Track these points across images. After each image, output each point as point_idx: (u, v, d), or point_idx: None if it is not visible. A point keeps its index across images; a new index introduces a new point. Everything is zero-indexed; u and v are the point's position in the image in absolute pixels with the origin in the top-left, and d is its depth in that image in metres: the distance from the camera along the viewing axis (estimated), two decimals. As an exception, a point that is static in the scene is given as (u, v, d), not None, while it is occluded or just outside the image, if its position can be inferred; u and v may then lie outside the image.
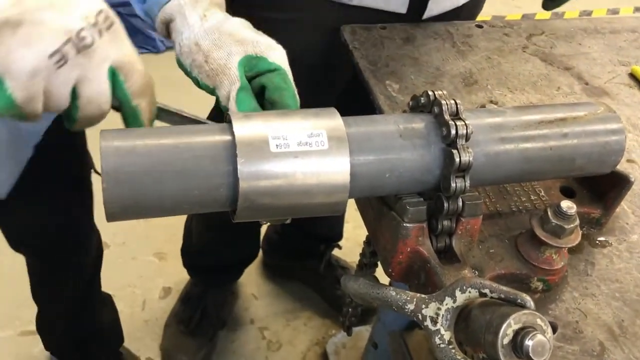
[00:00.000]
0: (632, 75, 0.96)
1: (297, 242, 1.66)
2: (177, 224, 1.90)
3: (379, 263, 0.81)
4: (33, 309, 1.31)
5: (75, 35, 0.46)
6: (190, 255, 1.58)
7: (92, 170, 1.06)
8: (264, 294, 1.77)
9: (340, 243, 1.69)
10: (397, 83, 0.86)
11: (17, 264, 1.26)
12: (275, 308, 1.75)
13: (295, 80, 0.62)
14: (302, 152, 0.52)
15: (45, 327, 1.33)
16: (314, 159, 0.52)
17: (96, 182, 1.10)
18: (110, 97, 0.51)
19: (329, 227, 1.64)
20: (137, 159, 0.49)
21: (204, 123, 0.58)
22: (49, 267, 1.14)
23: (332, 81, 1.11)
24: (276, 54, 0.61)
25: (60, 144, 0.89)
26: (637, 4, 3.36)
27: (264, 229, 1.70)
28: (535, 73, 0.93)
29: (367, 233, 0.81)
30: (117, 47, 0.50)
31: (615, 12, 3.33)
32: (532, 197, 0.71)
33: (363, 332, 1.62)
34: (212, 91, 0.62)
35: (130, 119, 0.53)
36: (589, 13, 3.31)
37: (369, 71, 0.87)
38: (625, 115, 0.88)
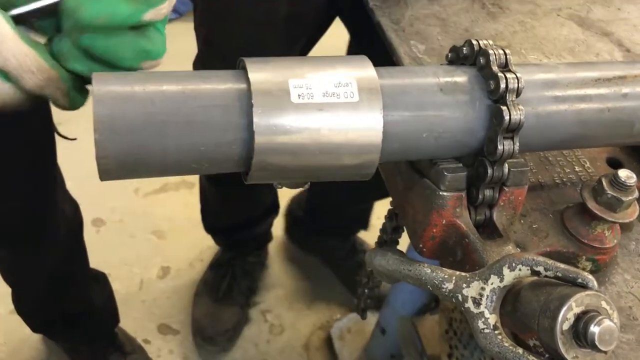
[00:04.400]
0: (675, 43, 0.88)
1: (323, 222, 1.60)
2: (177, 200, 1.83)
3: (399, 240, 0.74)
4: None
5: None
6: (209, 217, 1.54)
7: (55, 133, 0.97)
8: (266, 276, 1.70)
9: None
10: (423, 44, 0.78)
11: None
12: (278, 291, 1.68)
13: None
14: (328, 104, 0.45)
15: (23, 308, 1.26)
16: (341, 112, 0.45)
17: (84, 145, 1.02)
18: (11, 95, 0.47)
19: (356, 215, 1.59)
20: (137, 106, 0.42)
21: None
22: (15, 250, 1.07)
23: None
24: None
25: (18, 115, 0.82)
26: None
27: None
28: (572, 38, 0.85)
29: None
30: None
31: None
32: (577, 169, 0.63)
33: (369, 317, 1.55)
34: None
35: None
36: None
37: (391, 30, 0.79)
38: (671, 85, 0.80)
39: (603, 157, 0.65)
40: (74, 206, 1.14)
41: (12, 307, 1.50)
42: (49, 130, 0.95)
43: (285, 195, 1.69)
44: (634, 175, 0.52)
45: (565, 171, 0.63)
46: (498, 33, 0.83)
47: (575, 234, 0.55)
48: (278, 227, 1.63)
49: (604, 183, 0.53)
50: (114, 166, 0.42)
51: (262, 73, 0.45)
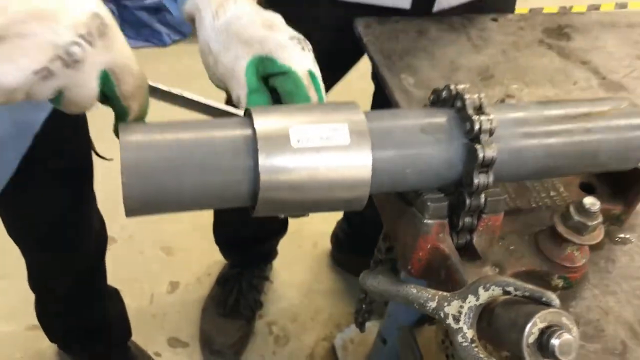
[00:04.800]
0: (649, 70, 0.94)
1: (367, 240, 1.67)
2: (184, 218, 1.89)
3: (393, 258, 0.81)
4: (40, 303, 1.31)
5: (63, 52, 0.42)
6: (220, 230, 1.60)
7: (93, 152, 1.04)
8: (271, 288, 1.76)
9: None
10: (413, 77, 0.85)
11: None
12: (283, 303, 1.74)
13: None
14: (324, 147, 0.51)
15: (45, 317, 1.33)
16: (335, 153, 0.51)
17: (100, 170, 1.09)
18: (96, 99, 0.48)
19: None
20: (157, 153, 0.48)
21: (197, 101, 0.57)
22: (47, 257, 1.14)
23: (333, 81, 1.10)
24: (286, 54, 0.56)
25: (60, 134, 0.88)
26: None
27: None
28: (552, 67, 0.92)
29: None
30: (111, 52, 0.46)
31: (623, 6, 3.31)
32: (552, 194, 0.70)
33: (371, 327, 1.61)
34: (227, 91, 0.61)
35: (120, 116, 0.51)
36: (597, 7, 3.30)
37: (383, 65, 0.86)
38: (643, 111, 0.87)
39: (577, 183, 0.71)
40: (102, 223, 1.22)
41: (28, 322, 1.57)
42: (88, 146, 1.02)
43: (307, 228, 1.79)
44: (598, 203, 0.58)
45: (541, 196, 0.69)
46: (482, 64, 0.90)
47: (548, 254, 0.61)
48: (282, 243, 1.70)
49: (572, 209, 0.59)
50: (138, 205, 0.49)
51: (266, 121, 0.51)
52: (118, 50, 0.46)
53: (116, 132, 0.50)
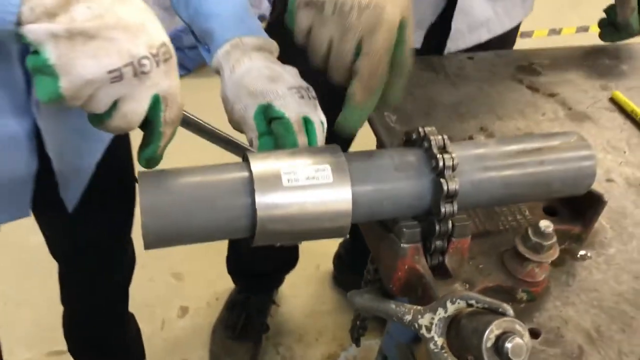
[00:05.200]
0: (612, 100, 1.04)
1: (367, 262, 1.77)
2: (192, 246, 1.99)
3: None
4: (61, 331, 1.40)
5: (137, 61, 0.51)
6: (234, 261, 1.70)
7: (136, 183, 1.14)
8: (277, 312, 1.85)
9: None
10: (395, 114, 0.94)
11: (47, 286, 1.34)
12: (289, 324, 1.82)
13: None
14: (310, 185, 0.60)
15: (70, 330, 1.40)
16: (320, 190, 0.60)
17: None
18: (142, 118, 0.55)
19: None
20: (171, 196, 0.58)
21: (223, 135, 0.67)
22: (84, 277, 1.22)
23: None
24: (282, 102, 0.65)
25: (116, 163, 0.96)
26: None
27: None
28: (523, 100, 1.01)
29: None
30: (168, 78, 0.55)
31: (585, 29, 3.42)
32: (518, 217, 0.78)
33: (373, 345, 1.68)
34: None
35: (152, 140, 0.58)
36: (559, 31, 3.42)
37: (369, 104, 0.95)
38: (606, 138, 0.96)
39: (540, 206, 0.80)
40: (133, 249, 1.30)
41: (48, 349, 1.65)
42: (133, 171, 1.10)
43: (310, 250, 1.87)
44: (552, 225, 0.67)
45: (508, 219, 0.78)
46: (458, 100, 0.99)
47: (512, 271, 0.70)
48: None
49: (530, 232, 0.68)
50: (155, 240, 0.58)
51: (261, 164, 0.61)
52: (173, 79, 0.56)
53: (140, 158, 0.59)
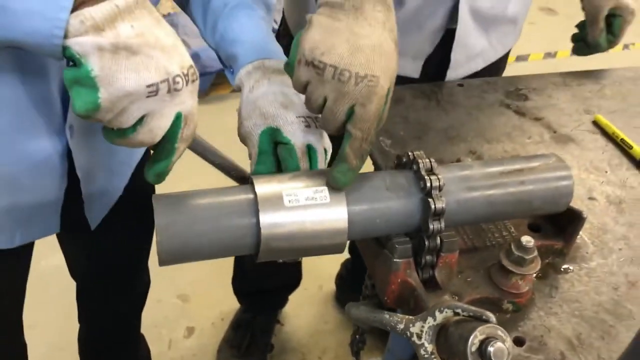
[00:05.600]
0: (595, 123, 1.10)
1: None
2: (198, 267, 2.05)
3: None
4: (71, 351, 1.44)
5: (172, 78, 0.56)
6: (240, 279, 1.75)
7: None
8: (281, 331, 1.89)
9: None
10: (390, 139, 1.01)
11: (58, 309, 1.38)
12: (292, 343, 1.87)
13: None
14: (309, 205, 0.66)
15: (85, 346, 1.44)
16: (318, 210, 0.66)
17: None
18: (163, 134, 0.59)
19: None
20: (183, 217, 0.64)
21: (222, 156, 0.73)
22: (100, 295, 1.27)
23: None
24: (290, 129, 0.70)
25: (140, 186, 0.99)
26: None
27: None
28: (510, 124, 1.08)
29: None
30: (192, 98, 0.61)
31: (552, 55, 3.52)
32: (504, 234, 0.84)
33: (375, 363, 1.73)
34: None
35: (166, 156, 0.62)
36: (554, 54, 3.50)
37: (365, 130, 1.02)
38: (589, 159, 1.02)
39: (525, 223, 0.86)
40: (148, 277, 1.35)
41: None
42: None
43: (313, 271, 1.93)
44: (532, 240, 0.73)
45: (494, 236, 0.84)
46: (449, 125, 1.06)
47: (498, 284, 0.76)
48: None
49: (513, 246, 0.74)
50: (169, 257, 0.64)
51: (264, 187, 0.67)
52: (195, 99, 0.62)
53: (149, 173, 0.64)
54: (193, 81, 0.60)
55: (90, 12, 0.53)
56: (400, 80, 1.12)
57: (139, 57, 0.55)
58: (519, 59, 3.45)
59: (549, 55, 3.51)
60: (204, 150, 0.74)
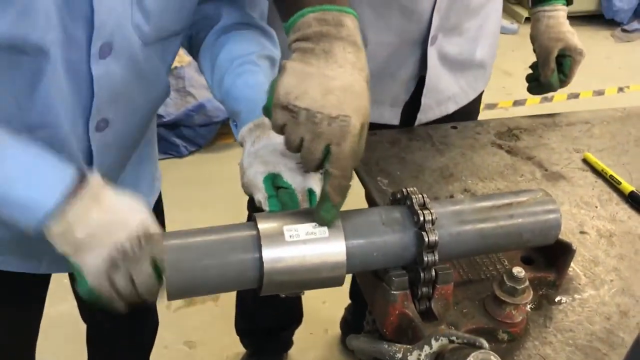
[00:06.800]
0: (585, 161, 1.14)
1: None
2: (204, 312, 2.06)
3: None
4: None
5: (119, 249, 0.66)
6: (242, 317, 1.76)
7: None
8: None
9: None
10: (386, 178, 1.05)
11: (66, 354, 1.40)
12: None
13: None
14: (309, 240, 0.70)
15: None
16: (318, 244, 0.70)
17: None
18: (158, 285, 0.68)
19: None
20: (190, 254, 0.68)
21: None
22: (110, 338, 1.29)
23: None
24: (290, 175, 0.75)
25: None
26: (596, 87, 3.64)
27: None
28: (502, 164, 1.12)
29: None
30: (156, 247, 0.68)
31: (600, 92, 3.60)
32: (498, 267, 0.87)
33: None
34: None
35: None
36: (575, 96, 3.58)
37: (363, 170, 1.07)
38: (579, 195, 1.06)
39: (518, 256, 0.89)
40: (157, 318, 1.38)
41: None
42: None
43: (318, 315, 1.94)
44: (523, 271, 0.76)
45: (489, 269, 0.87)
46: (444, 165, 1.10)
47: (492, 314, 0.78)
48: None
49: (505, 277, 0.77)
50: (177, 292, 0.67)
51: (266, 224, 0.71)
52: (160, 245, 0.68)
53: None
54: (148, 240, 0.68)
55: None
56: (381, 128, 1.18)
57: (90, 246, 0.66)
58: (516, 103, 3.53)
59: (573, 95, 3.57)
60: None
